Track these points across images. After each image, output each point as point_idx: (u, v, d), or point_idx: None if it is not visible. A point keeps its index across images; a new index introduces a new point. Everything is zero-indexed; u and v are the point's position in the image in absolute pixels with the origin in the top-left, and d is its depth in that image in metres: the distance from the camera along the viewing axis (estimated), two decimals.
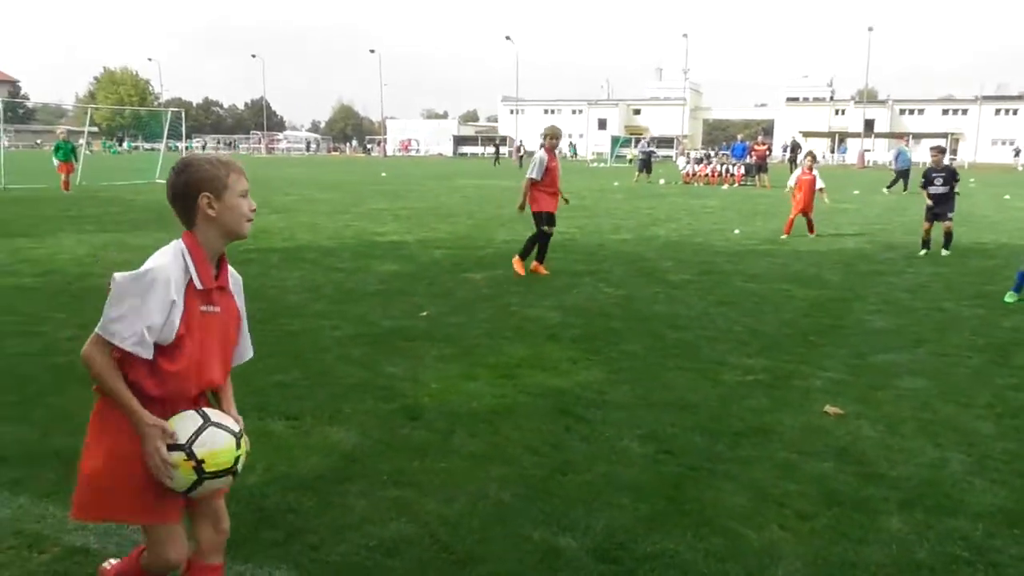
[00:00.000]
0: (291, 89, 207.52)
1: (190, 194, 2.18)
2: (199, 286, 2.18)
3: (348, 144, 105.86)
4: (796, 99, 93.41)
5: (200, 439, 2.17)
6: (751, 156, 31.77)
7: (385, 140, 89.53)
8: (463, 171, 41.75)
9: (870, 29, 65.35)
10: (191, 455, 2.15)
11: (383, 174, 35.08)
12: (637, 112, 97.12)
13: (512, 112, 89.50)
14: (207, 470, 2.18)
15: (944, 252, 11.21)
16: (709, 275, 9.39)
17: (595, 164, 60.14)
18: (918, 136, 73.46)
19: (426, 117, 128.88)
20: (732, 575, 2.94)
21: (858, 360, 5.82)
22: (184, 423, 2.18)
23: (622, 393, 4.97)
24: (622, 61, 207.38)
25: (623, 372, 5.41)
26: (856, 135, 72.31)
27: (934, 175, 11.66)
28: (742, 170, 31.01)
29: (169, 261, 2.14)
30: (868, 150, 67.77)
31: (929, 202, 11.57)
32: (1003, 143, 76.08)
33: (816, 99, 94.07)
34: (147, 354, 2.10)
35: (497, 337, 6.32)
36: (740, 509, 3.44)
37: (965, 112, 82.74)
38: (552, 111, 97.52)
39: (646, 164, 32.99)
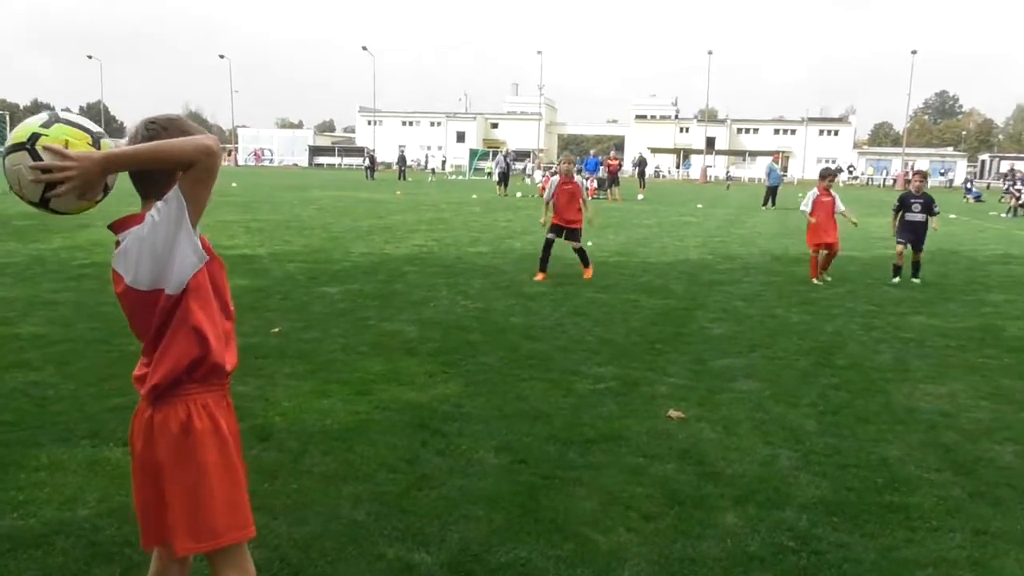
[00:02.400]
0: (133, 93, 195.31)
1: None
2: None
3: None
4: (644, 117, 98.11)
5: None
6: (605, 170, 33.03)
7: (236, 149, 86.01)
8: (320, 182, 40.79)
9: (710, 53, 69.70)
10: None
11: (233, 184, 33.63)
12: (495, 126, 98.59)
13: (370, 123, 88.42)
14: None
15: (915, 280, 10.72)
16: (563, 286, 9.67)
17: (454, 177, 60.49)
18: (754, 153, 79.12)
19: (280, 126, 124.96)
20: None
21: (699, 366, 6.17)
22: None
23: (478, 405, 5.02)
24: (481, 75, 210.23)
25: (479, 384, 5.47)
26: (699, 152, 76.79)
27: (912, 201, 10.93)
28: (595, 184, 32.13)
29: None
30: (710, 166, 72.15)
31: (894, 228, 11.07)
32: (827, 160, 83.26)
33: (663, 117, 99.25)
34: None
35: (353, 352, 6.22)
36: (590, 514, 3.56)
37: (794, 132, 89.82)
38: (410, 123, 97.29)
39: (504, 177, 33.54)
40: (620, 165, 37.65)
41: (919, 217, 10.83)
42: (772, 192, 29.06)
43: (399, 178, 46.99)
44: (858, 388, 5.67)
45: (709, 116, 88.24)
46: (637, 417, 4.90)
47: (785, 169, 64.45)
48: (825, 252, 10.82)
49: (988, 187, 52.28)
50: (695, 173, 72.56)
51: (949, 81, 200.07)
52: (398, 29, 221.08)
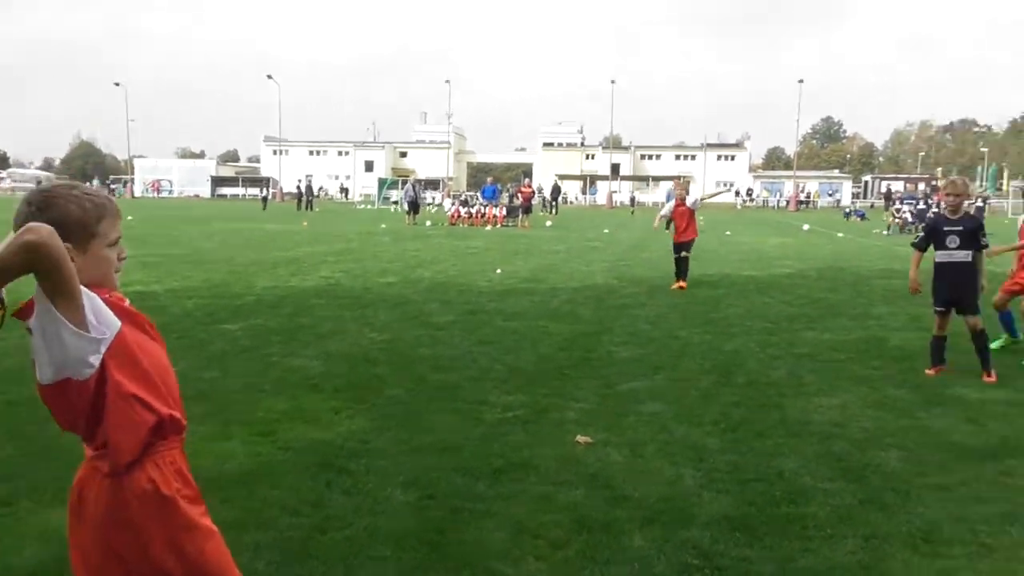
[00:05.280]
0: (18, 121, 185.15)
1: None
2: None
3: (89, 184, 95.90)
4: (552, 144, 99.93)
5: None
6: (518, 197, 33.39)
7: (132, 180, 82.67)
8: (223, 214, 39.63)
9: (613, 81, 71.74)
10: None
11: (129, 217, 32.33)
12: (404, 155, 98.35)
13: (275, 153, 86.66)
14: None
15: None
16: (473, 315, 9.68)
17: (363, 206, 59.91)
18: (657, 178, 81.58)
19: (181, 156, 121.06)
20: None
21: (607, 389, 6.27)
22: None
23: (386, 440, 4.94)
24: (390, 104, 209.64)
25: (387, 419, 5.39)
26: (605, 178, 78.64)
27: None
28: (504, 211, 32.44)
29: None
30: (615, 191, 73.99)
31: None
32: (724, 184, 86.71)
33: (569, 144, 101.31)
34: None
35: (255, 391, 6.03)
36: (500, 545, 3.55)
37: (694, 157, 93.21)
38: (317, 152, 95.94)
39: (413, 206, 33.44)
40: (534, 193, 38.22)
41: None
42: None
43: (305, 208, 46.21)
44: (756, 404, 5.88)
45: (614, 143, 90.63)
46: (546, 444, 4.93)
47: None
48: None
49: (872, 206, 55.56)
50: (601, 199, 74.24)
51: (834, 107, 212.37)
52: (306, 58, 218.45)
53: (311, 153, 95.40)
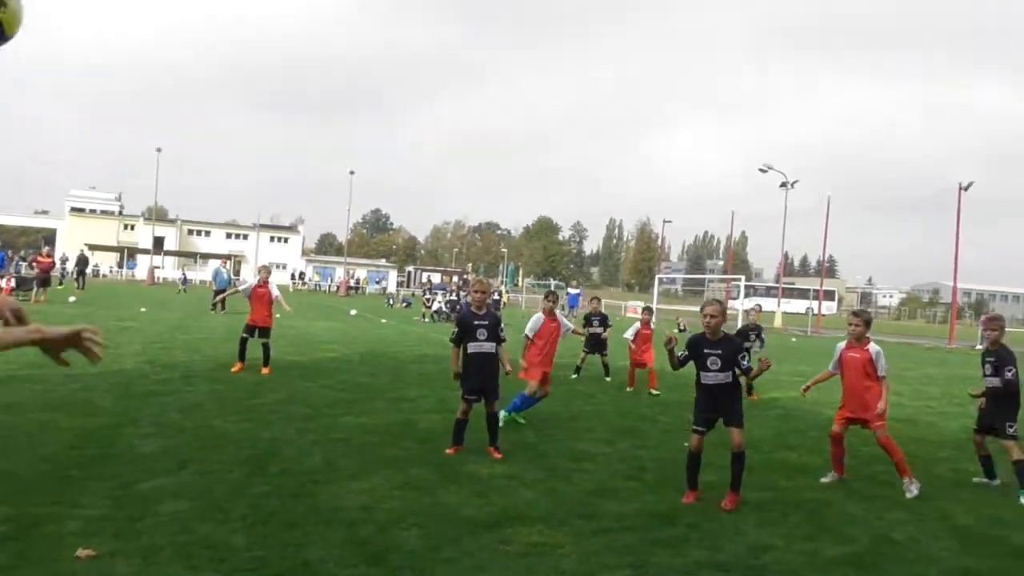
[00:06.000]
0: None
1: None
2: None
3: None
4: (83, 210, 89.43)
5: None
6: (34, 267, 28.76)
7: None
8: None
9: (159, 150, 67.30)
10: None
11: None
12: None
13: None
14: None
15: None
16: None
17: None
18: (206, 256, 78.12)
19: None
20: None
21: (123, 491, 5.57)
22: None
23: None
24: None
25: None
26: (146, 251, 72.62)
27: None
28: (12, 283, 27.72)
29: None
30: (158, 267, 68.71)
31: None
32: (279, 266, 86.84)
33: (104, 212, 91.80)
34: None
35: None
36: None
37: (246, 237, 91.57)
38: None
39: None
40: (53, 263, 33.46)
41: (994, 382, 7.21)
42: (220, 295, 28.94)
43: None
44: (289, 493, 5.77)
45: (158, 215, 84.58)
46: (36, 564, 4.14)
47: (237, 273, 64.95)
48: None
49: (413, 295, 60.69)
50: (141, 273, 68.23)
51: (383, 201, 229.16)
52: None
53: None
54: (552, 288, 10.79)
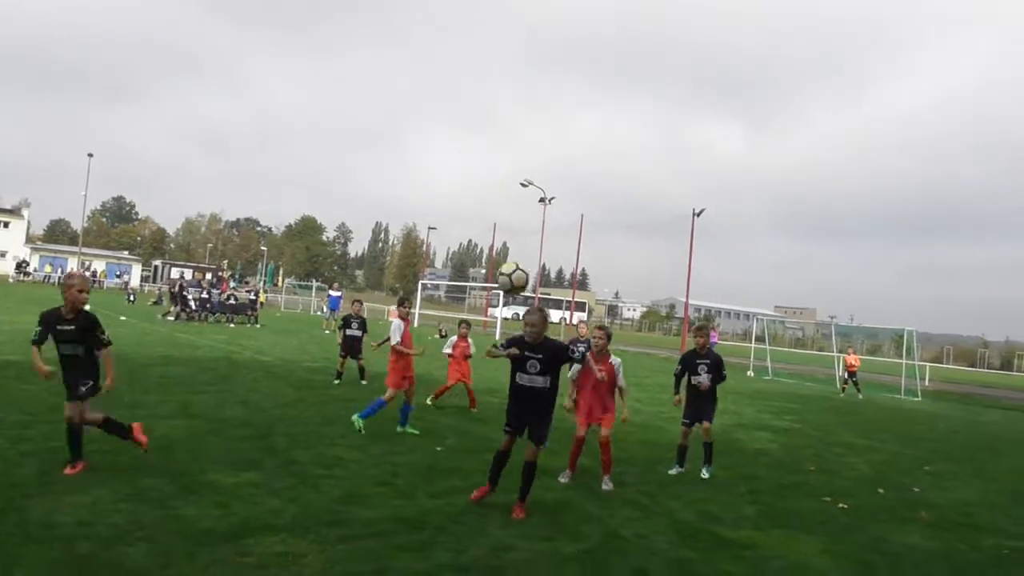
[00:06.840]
0: None
1: None
2: None
3: None
4: None
5: None
6: None
7: None
8: None
9: None
10: None
11: None
12: None
13: None
14: None
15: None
16: None
17: None
18: None
19: None
20: None
21: None
22: None
23: None
24: None
25: None
26: None
27: (698, 362, 8.97)
28: None
29: None
30: None
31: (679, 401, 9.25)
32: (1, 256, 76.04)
33: None
34: None
35: None
36: None
37: None
38: None
39: None
40: None
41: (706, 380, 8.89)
42: None
43: None
44: None
45: None
46: None
47: None
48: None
49: (159, 290, 55.52)
50: None
51: (127, 188, 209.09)
52: None
53: None
54: (403, 296, 10.82)
